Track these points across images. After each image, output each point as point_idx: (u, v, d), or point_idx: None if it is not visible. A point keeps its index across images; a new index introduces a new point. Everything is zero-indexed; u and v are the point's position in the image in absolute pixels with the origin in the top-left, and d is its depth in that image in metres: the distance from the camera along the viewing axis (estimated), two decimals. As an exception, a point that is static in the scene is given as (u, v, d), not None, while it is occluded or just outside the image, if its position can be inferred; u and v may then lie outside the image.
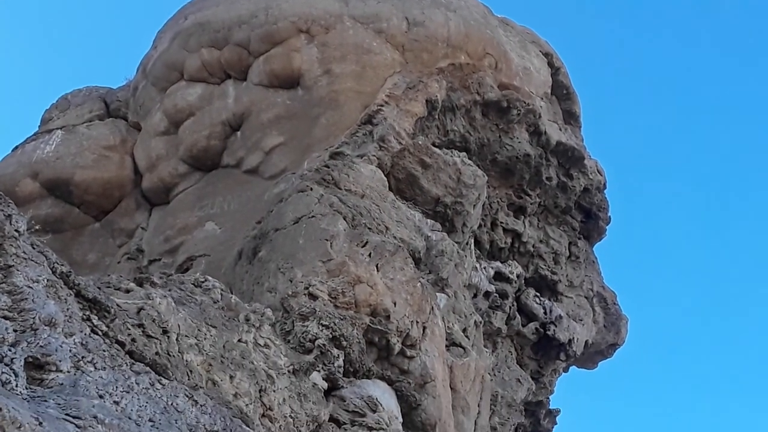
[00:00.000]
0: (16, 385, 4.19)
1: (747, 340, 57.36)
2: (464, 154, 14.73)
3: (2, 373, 4.15)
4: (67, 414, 4.23)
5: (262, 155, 14.32)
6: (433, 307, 11.53)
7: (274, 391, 7.65)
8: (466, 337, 12.90)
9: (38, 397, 4.31)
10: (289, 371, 8.30)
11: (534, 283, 17.20)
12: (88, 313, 5.52)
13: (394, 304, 10.61)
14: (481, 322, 13.92)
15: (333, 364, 9.21)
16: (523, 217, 16.83)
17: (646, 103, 62.92)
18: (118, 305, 6.17)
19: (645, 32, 62.94)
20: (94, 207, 15.88)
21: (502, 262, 16.07)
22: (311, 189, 11.93)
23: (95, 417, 4.32)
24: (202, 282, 8.65)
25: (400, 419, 10.08)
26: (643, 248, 60.65)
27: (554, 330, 16.65)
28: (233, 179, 14.61)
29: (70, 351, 4.85)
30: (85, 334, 5.19)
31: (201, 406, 5.78)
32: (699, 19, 61.86)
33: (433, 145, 14.40)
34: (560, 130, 17.16)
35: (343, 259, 10.63)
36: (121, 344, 5.64)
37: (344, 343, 9.57)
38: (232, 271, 11.96)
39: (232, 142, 14.87)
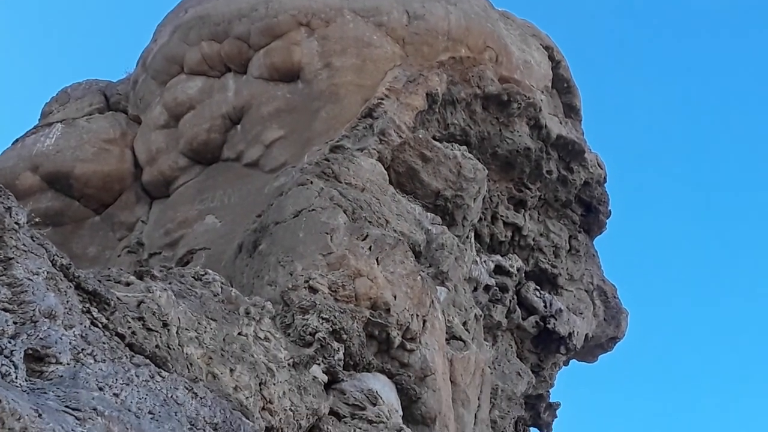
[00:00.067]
0: (16, 377, 4.19)
1: (747, 333, 57.46)
2: (464, 147, 14.72)
3: (2, 365, 4.15)
4: (66, 406, 4.23)
5: (262, 149, 14.32)
6: (433, 301, 11.53)
7: (274, 384, 7.65)
8: (467, 330, 12.90)
9: (38, 389, 4.31)
10: (289, 364, 8.30)
11: (534, 277, 17.21)
12: (87, 305, 5.52)
13: (395, 297, 10.61)
14: (481, 316, 13.93)
15: (333, 357, 9.21)
16: (523, 210, 16.83)
17: (647, 97, 62.88)
18: (118, 298, 6.17)
19: (646, 25, 62.89)
20: (95, 200, 15.88)
21: (502, 256, 16.08)
22: (311, 182, 11.93)
23: (95, 409, 4.33)
24: (203, 275, 8.64)
25: (400, 412, 10.09)
26: (643, 242, 60.72)
27: (554, 323, 16.67)
28: (233, 173, 14.61)
29: (70, 343, 4.85)
30: (85, 327, 5.19)
31: (201, 398, 5.78)
32: (699, 12, 61.77)
33: (434, 138, 14.39)
34: (561, 123, 17.15)
35: (343, 253, 10.63)
36: (121, 337, 5.64)
37: (344, 336, 9.57)
38: (232, 264, 11.96)
39: (233, 135, 14.86)
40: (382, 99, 13.83)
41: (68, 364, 4.73)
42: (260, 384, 7.43)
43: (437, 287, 12.28)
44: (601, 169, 17.92)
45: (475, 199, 14.32)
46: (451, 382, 11.66)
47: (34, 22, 60.14)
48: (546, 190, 17.12)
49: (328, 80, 14.22)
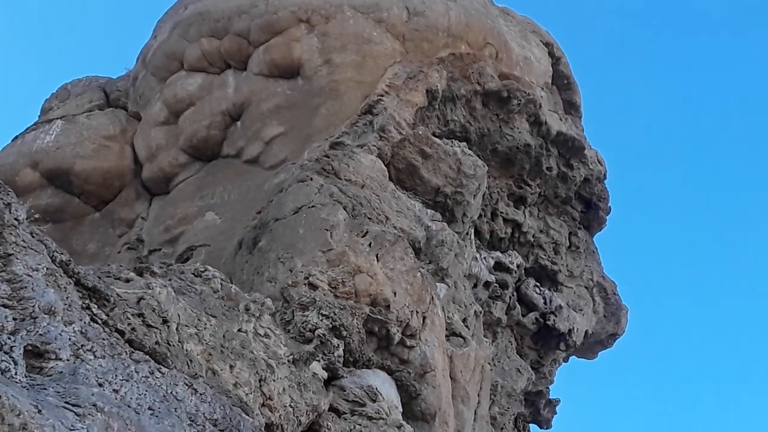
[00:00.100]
0: (16, 373, 4.19)
1: (747, 330, 57.47)
2: (464, 144, 14.71)
3: (2, 361, 4.15)
4: (66, 402, 4.23)
5: (262, 145, 14.31)
6: (433, 297, 11.53)
7: (274, 380, 7.65)
8: (466, 326, 12.91)
9: (37, 385, 4.31)
10: (289, 361, 8.31)
11: (534, 273, 17.21)
12: (87, 301, 5.52)
13: (394, 293, 10.61)
14: (481, 312, 13.93)
15: (333, 353, 9.21)
16: (523, 207, 16.83)
17: (647, 93, 62.84)
18: (118, 294, 6.17)
19: (645, 22, 62.82)
20: (94, 197, 15.88)
21: (502, 252, 16.07)
22: (311, 179, 11.92)
23: (95, 405, 4.33)
24: (202, 272, 8.65)
25: (400, 409, 10.10)
26: (643, 238, 60.67)
27: (554, 320, 16.67)
28: (233, 169, 14.60)
29: (70, 339, 4.86)
30: (85, 323, 5.19)
31: (200, 394, 5.78)
32: (699, 8, 61.71)
33: (434, 135, 14.38)
34: (561, 120, 17.14)
35: (343, 249, 10.63)
36: (121, 333, 5.64)
37: (344, 332, 9.57)
38: (232, 260, 11.96)
39: (232, 132, 14.85)
40: (382, 95, 13.82)
41: (68, 360, 4.73)
42: (260, 380, 7.43)
43: (437, 284, 12.28)
44: (601, 165, 17.91)
45: (475, 195, 14.32)
46: (451, 378, 11.66)
47: (34, 19, 60.11)
48: (546, 187, 17.11)
49: (328, 77, 14.21)
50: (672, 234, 61.05)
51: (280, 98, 14.41)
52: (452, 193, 13.94)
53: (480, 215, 15.44)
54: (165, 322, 6.57)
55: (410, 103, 13.99)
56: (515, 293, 16.34)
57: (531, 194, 16.82)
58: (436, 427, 10.61)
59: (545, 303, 16.75)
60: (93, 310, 5.50)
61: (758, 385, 52.69)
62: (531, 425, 17.65)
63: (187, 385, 5.68)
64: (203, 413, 5.66)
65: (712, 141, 61.23)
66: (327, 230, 10.86)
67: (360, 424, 8.81)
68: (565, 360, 18.50)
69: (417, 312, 10.88)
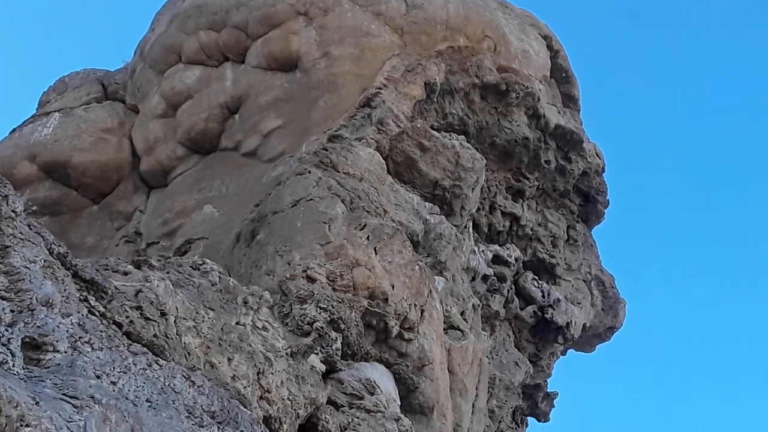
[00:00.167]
0: (13, 365, 4.18)
1: (745, 324, 57.57)
2: (463, 137, 14.70)
3: (-1, 353, 4.15)
4: (64, 394, 4.23)
5: (260, 138, 14.29)
6: (431, 290, 11.53)
7: (272, 373, 7.65)
8: (464, 320, 12.91)
9: (35, 377, 4.31)
10: (287, 354, 8.31)
11: (532, 267, 17.21)
12: (85, 294, 5.52)
13: (392, 287, 10.61)
14: (479, 305, 13.94)
15: (331, 346, 9.21)
16: (521, 200, 16.82)
17: (646, 86, 62.81)
18: (116, 287, 6.17)
19: (645, 16, 62.73)
20: (92, 190, 15.86)
21: (500, 246, 16.08)
22: (309, 172, 11.91)
23: (92, 397, 4.32)
24: (200, 265, 8.64)
25: (398, 402, 10.10)
26: (641, 231, 60.75)
27: (552, 313, 16.68)
28: (231, 162, 14.59)
29: (68, 331, 4.85)
30: (83, 315, 5.19)
31: (198, 387, 5.78)
32: (699, 12, 61.65)
33: (432, 128, 14.37)
34: (559, 113, 17.12)
35: (341, 242, 10.62)
36: (119, 325, 5.64)
37: (342, 325, 9.57)
38: (230, 253, 11.95)
39: (230, 125, 14.84)
40: (381, 88, 13.80)
41: (65, 352, 4.73)
42: (258, 373, 7.43)
43: (435, 277, 12.28)
44: (600, 158, 17.90)
45: (473, 188, 14.31)
46: (449, 371, 11.67)
47: (32, 12, 59.97)
48: (544, 180, 17.10)
49: (326, 69, 14.19)
50: (670, 227, 61.14)
51: (278, 91, 14.39)
52: (450, 187, 13.93)
53: (478, 208, 15.44)
54: (163, 314, 6.56)
55: (408, 96, 13.97)
56: (513, 286, 16.35)
57: (529, 187, 16.81)
58: (434, 420, 10.62)
59: (543, 296, 16.75)
60: (91, 302, 5.49)
61: (755, 378, 52.84)
62: (529, 418, 17.67)
63: (185, 377, 5.68)
64: (201, 405, 5.66)
65: (713, 135, 61.28)
66: (325, 223, 10.85)
67: (358, 417, 8.82)
68: (563, 353, 18.52)
69: (415, 305, 10.89)
